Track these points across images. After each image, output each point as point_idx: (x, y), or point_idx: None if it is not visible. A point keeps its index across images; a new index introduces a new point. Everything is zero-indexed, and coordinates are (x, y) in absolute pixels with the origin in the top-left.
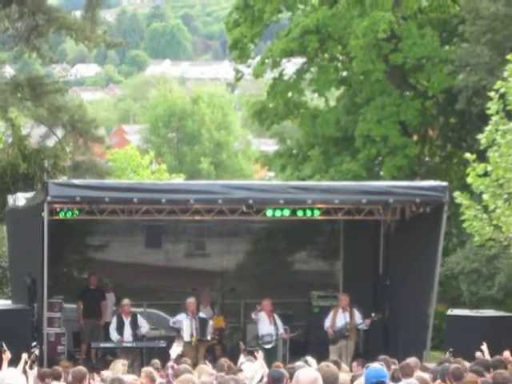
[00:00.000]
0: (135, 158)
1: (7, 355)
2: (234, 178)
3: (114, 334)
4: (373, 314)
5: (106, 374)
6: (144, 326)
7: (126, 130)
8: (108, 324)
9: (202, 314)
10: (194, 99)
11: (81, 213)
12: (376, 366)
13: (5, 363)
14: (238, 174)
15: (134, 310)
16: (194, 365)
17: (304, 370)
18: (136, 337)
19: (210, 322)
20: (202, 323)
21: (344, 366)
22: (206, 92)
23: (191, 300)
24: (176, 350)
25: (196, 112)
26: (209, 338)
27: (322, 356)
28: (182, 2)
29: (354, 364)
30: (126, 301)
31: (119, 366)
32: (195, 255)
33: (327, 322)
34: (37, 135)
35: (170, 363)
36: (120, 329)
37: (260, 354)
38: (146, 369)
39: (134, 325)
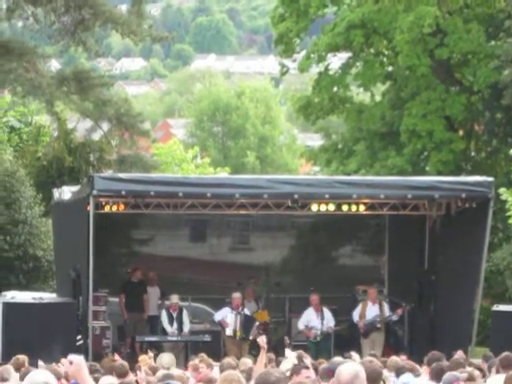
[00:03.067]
0: (179, 153)
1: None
2: (279, 172)
3: (167, 327)
4: (403, 304)
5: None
6: (186, 324)
7: (172, 124)
8: (152, 318)
9: (247, 311)
10: (238, 93)
11: (126, 207)
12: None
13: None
14: (283, 168)
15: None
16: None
17: (346, 364)
18: (181, 331)
19: (256, 323)
20: (247, 320)
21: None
22: (249, 86)
23: (236, 295)
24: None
25: (240, 106)
26: (250, 337)
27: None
28: None
29: (403, 358)
30: (175, 298)
31: (166, 359)
32: (240, 249)
33: (356, 316)
34: (83, 129)
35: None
36: (170, 322)
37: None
38: (193, 362)
39: (180, 319)
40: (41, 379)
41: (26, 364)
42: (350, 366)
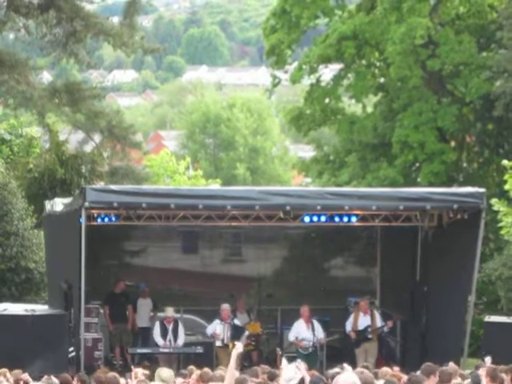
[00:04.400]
0: (171, 164)
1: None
2: (271, 184)
3: (159, 340)
4: (393, 315)
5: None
6: (181, 337)
7: (163, 136)
8: (144, 329)
9: (237, 322)
10: (229, 105)
11: (118, 218)
12: None
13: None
14: (275, 180)
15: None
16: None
17: (343, 374)
18: (176, 344)
19: (246, 332)
20: (236, 330)
21: (385, 370)
22: (241, 98)
23: (225, 306)
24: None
25: (231, 118)
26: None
27: (354, 363)
28: (218, 7)
29: (396, 369)
30: (170, 311)
31: (166, 373)
32: (232, 261)
33: (348, 326)
34: (74, 141)
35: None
36: (164, 335)
37: (303, 366)
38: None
39: (176, 332)
40: None
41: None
42: (348, 376)
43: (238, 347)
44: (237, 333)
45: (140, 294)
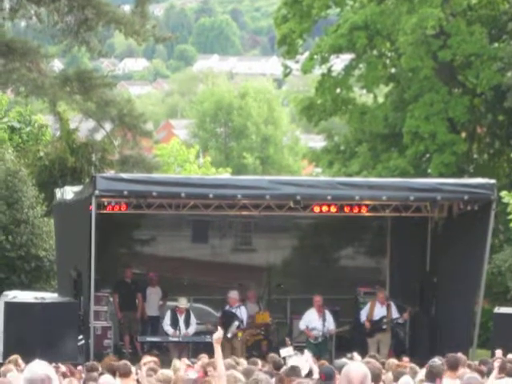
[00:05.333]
0: (181, 153)
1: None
2: (281, 173)
3: (168, 329)
4: (409, 308)
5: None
6: (193, 326)
7: (174, 125)
8: (154, 318)
9: (240, 310)
10: (241, 94)
11: (128, 207)
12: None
13: None
14: (285, 169)
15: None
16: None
17: (354, 365)
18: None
19: (236, 322)
20: (227, 318)
21: (394, 361)
22: (252, 87)
23: (231, 294)
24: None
25: (243, 107)
26: (229, 335)
27: (366, 353)
28: None
29: (405, 359)
30: (183, 302)
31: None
32: (242, 250)
33: (364, 315)
34: (85, 129)
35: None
36: (174, 324)
37: (310, 357)
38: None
39: (188, 322)
40: (41, 371)
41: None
42: (359, 367)
43: (217, 334)
44: (227, 321)
45: (149, 282)
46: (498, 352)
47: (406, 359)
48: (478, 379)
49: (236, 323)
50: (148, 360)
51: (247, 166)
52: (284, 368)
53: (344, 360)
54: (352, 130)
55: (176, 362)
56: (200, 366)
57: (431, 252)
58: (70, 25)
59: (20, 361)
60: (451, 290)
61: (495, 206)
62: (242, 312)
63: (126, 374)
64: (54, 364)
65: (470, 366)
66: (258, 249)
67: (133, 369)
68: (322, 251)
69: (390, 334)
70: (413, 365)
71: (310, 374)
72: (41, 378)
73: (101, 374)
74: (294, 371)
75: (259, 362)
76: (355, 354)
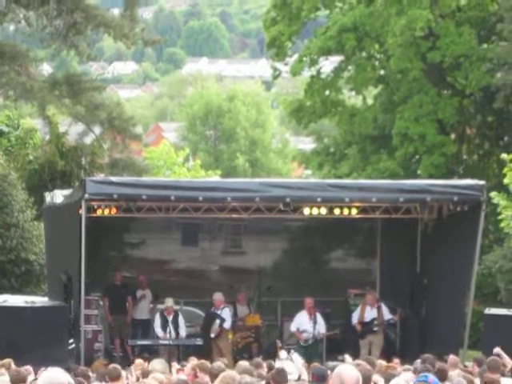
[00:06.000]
0: (171, 156)
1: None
2: (270, 176)
3: (159, 332)
4: (398, 311)
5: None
6: (182, 327)
7: (163, 128)
8: (144, 321)
9: (215, 310)
10: (230, 97)
11: (118, 210)
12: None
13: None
14: (274, 172)
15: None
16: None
17: (347, 368)
18: (178, 335)
19: (217, 321)
20: (209, 319)
21: (380, 362)
22: (241, 90)
23: (216, 295)
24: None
25: (232, 110)
26: (212, 335)
27: (358, 354)
28: None
29: (396, 361)
30: (170, 301)
31: (158, 366)
32: (232, 253)
33: (355, 318)
34: (74, 133)
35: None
36: (164, 327)
37: (297, 356)
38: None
39: (176, 323)
40: (62, 377)
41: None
42: (352, 369)
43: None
44: (210, 322)
45: (139, 285)
46: (497, 349)
47: (396, 361)
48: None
49: (217, 321)
50: (137, 363)
51: (237, 168)
52: (271, 372)
53: (336, 363)
54: (341, 131)
55: (155, 362)
56: (190, 369)
57: (421, 253)
58: (59, 28)
59: (13, 365)
60: (441, 291)
61: (485, 207)
62: (225, 312)
63: (115, 378)
64: (43, 368)
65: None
66: (248, 251)
67: (123, 373)
68: (313, 253)
69: (382, 335)
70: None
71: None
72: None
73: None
74: (281, 376)
75: (263, 363)
76: (347, 356)
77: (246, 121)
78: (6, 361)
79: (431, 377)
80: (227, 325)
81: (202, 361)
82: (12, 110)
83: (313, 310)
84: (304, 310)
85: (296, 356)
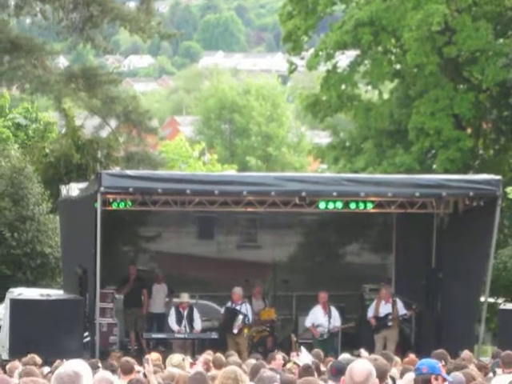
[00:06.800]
0: (186, 150)
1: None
2: (284, 170)
3: (174, 326)
4: (413, 306)
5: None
6: (197, 321)
7: (179, 122)
8: (159, 315)
9: (234, 305)
10: (245, 91)
11: (134, 203)
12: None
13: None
14: (288, 166)
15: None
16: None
17: (358, 362)
18: (192, 329)
19: (240, 316)
20: (230, 315)
21: (397, 359)
22: (256, 84)
23: (235, 290)
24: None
25: (246, 105)
26: (235, 331)
27: (373, 349)
28: None
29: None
30: (185, 296)
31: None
32: (247, 247)
33: (370, 312)
34: (90, 126)
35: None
36: (179, 321)
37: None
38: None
39: (191, 317)
40: (69, 368)
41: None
42: (363, 364)
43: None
44: (231, 317)
45: (154, 279)
46: (466, 352)
47: (412, 356)
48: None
49: (240, 317)
50: (155, 357)
51: (251, 165)
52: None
53: (347, 356)
54: (357, 126)
55: (173, 357)
56: (203, 363)
57: (437, 248)
58: (75, 22)
59: (38, 359)
60: (457, 286)
61: (500, 202)
62: (247, 308)
63: (128, 370)
64: (58, 361)
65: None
66: (264, 245)
67: (136, 367)
68: (328, 248)
69: (397, 330)
70: None
71: None
72: (68, 374)
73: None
74: (308, 372)
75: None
76: (362, 351)
77: (260, 115)
78: (30, 356)
79: (424, 366)
80: (249, 320)
81: (218, 354)
82: (31, 103)
83: (327, 304)
84: (318, 304)
85: (305, 353)
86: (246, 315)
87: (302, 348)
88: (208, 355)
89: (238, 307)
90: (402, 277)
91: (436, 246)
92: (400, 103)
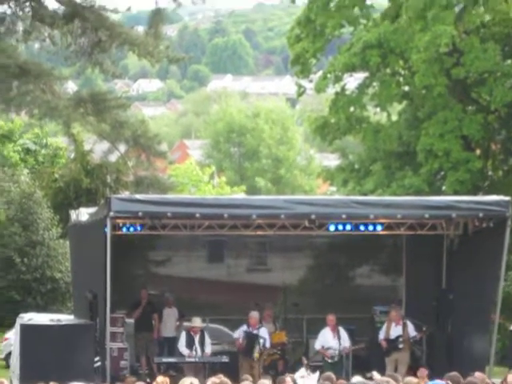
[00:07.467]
0: (195, 173)
1: None
2: (294, 193)
3: (184, 351)
4: (424, 328)
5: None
6: (207, 345)
7: (188, 145)
8: (170, 339)
9: (261, 331)
10: (254, 114)
11: (143, 228)
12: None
13: None
14: (298, 190)
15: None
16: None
17: None
18: (203, 352)
19: (261, 340)
20: (250, 339)
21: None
22: (264, 108)
23: (252, 314)
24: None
25: (255, 128)
26: (256, 355)
27: (384, 372)
28: (243, 17)
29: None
30: (197, 321)
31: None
32: (257, 270)
33: (381, 335)
34: (99, 150)
35: None
36: (190, 345)
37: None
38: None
39: (202, 341)
40: None
41: None
42: None
43: None
44: (250, 342)
45: (165, 303)
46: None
47: (423, 370)
48: None
49: (261, 341)
50: (161, 380)
51: (260, 187)
52: None
53: (361, 379)
54: (366, 148)
55: (183, 381)
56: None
57: (447, 269)
58: (84, 46)
59: None
60: (467, 308)
61: (510, 223)
62: (264, 332)
63: None
64: None
65: None
66: (274, 268)
67: None
68: (338, 270)
69: (408, 352)
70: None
71: None
72: None
73: None
74: None
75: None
76: (375, 373)
77: (270, 138)
78: None
79: None
80: (268, 344)
81: (224, 379)
82: (40, 129)
83: (336, 326)
84: (327, 327)
85: (314, 377)
86: (265, 339)
87: (315, 373)
88: (217, 379)
89: (255, 331)
90: (413, 298)
91: (446, 267)
92: (409, 125)
